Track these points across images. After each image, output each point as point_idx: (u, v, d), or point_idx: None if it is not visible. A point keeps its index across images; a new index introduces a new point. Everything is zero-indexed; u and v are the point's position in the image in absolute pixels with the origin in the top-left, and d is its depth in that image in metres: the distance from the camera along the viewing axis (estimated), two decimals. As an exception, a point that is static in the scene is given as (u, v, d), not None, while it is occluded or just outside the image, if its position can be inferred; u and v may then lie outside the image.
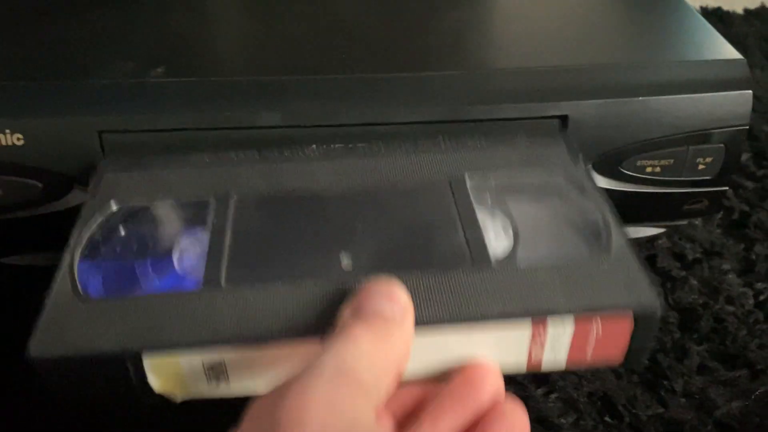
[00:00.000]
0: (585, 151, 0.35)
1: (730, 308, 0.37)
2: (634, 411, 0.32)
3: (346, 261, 0.27)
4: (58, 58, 0.37)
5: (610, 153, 0.36)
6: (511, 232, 0.29)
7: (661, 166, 0.37)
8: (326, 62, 0.37)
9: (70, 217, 0.34)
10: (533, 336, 0.24)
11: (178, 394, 0.24)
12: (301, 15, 0.43)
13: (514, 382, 0.33)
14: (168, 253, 0.29)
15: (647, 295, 0.24)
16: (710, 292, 0.38)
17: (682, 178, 0.37)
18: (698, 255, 0.41)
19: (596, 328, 0.24)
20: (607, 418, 0.32)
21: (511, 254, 0.28)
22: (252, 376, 0.24)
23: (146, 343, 0.23)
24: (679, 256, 0.41)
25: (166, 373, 0.24)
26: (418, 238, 0.28)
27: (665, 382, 0.34)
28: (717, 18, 0.66)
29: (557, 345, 0.24)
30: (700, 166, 0.37)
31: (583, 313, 0.24)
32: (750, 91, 0.36)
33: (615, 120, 0.35)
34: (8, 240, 0.37)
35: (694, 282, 0.39)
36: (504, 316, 0.24)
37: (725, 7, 0.67)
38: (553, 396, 0.33)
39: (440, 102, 0.34)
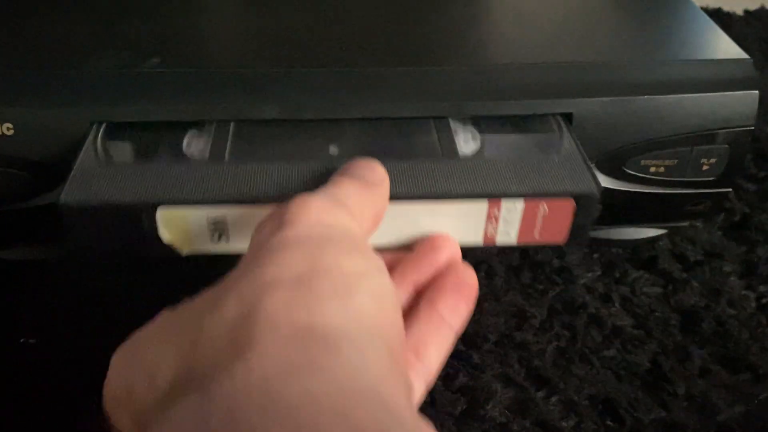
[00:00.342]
0: (589, 150, 0.35)
1: (732, 311, 0.37)
2: (635, 414, 0.32)
3: (333, 149, 0.31)
4: (51, 46, 0.36)
5: (615, 152, 0.35)
6: (479, 139, 0.32)
7: (665, 167, 0.36)
8: (325, 55, 0.36)
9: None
10: (489, 214, 0.29)
11: (184, 248, 0.28)
12: (301, 6, 0.42)
13: (513, 384, 0.33)
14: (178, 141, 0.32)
15: (587, 183, 0.29)
16: (712, 294, 0.38)
17: (686, 179, 0.37)
18: (699, 257, 0.40)
19: (543, 209, 0.29)
20: (608, 422, 0.32)
21: (477, 153, 0.32)
22: (250, 236, 0.27)
23: (159, 198, 0.27)
24: (681, 258, 0.40)
25: (174, 226, 0.28)
26: (396, 136, 0.32)
27: (667, 386, 0.33)
28: (717, 19, 0.65)
29: (509, 223, 0.29)
30: (704, 167, 0.37)
31: (531, 195, 0.28)
32: (756, 92, 0.35)
33: (620, 118, 0.34)
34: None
35: (696, 284, 0.38)
36: (465, 195, 0.28)
37: (725, 8, 0.67)
38: (553, 399, 0.32)
39: (441, 97, 0.33)
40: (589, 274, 0.39)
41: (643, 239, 0.41)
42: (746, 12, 0.67)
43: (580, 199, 0.29)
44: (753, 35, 0.63)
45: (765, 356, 0.35)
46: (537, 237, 0.29)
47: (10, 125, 0.32)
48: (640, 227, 0.41)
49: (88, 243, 0.28)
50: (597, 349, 0.35)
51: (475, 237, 0.30)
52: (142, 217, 0.27)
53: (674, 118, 0.35)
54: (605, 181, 0.36)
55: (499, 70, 0.35)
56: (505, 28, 0.41)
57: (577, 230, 0.30)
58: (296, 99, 0.33)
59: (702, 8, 0.43)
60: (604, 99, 0.34)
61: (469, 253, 0.39)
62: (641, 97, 0.34)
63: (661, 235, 0.41)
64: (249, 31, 0.40)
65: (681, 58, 0.37)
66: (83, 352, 0.29)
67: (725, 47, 0.38)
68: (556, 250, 0.40)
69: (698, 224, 0.42)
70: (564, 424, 0.32)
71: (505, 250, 0.40)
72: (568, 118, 0.34)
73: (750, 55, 0.37)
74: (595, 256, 0.40)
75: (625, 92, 0.34)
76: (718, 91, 0.35)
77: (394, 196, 0.27)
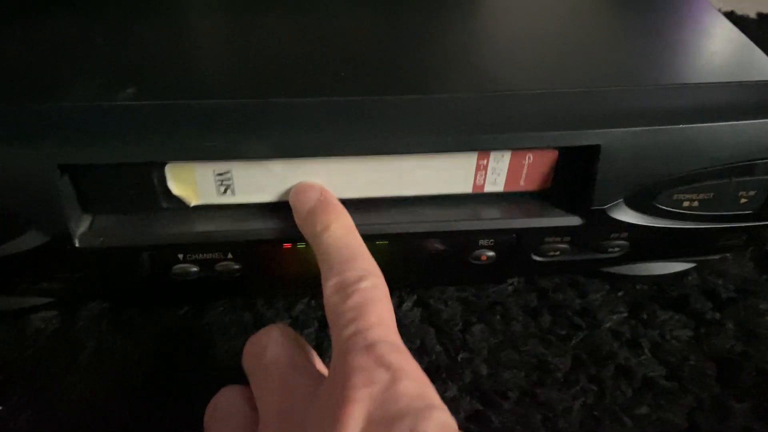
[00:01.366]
0: (618, 186, 0.31)
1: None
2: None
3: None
4: (11, 76, 0.32)
5: (645, 186, 0.32)
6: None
7: (699, 201, 0.33)
8: (321, 83, 0.32)
9: (23, 262, 0.30)
10: (478, 164, 0.31)
11: (192, 199, 0.30)
12: (292, 29, 0.38)
13: None
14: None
15: None
16: (748, 338, 0.35)
17: (722, 213, 0.33)
18: (732, 294, 0.37)
19: (528, 158, 0.31)
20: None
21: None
22: (254, 189, 0.30)
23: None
24: (711, 295, 0.37)
25: (183, 180, 0.29)
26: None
27: (708, 448, 0.30)
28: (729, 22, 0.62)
29: (497, 172, 0.31)
30: (742, 200, 0.33)
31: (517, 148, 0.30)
32: (797, 117, 0.32)
33: (651, 150, 0.31)
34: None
35: (730, 326, 0.35)
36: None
37: (738, 12, 0.64)
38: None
39: (452, 129, 0.30)
40: (614, 317, 0.35)
41: (669, 274, 0.38)
42: (759, 15, 0.64)
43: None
44: (766, 39, 0.60)
45: (812, 410, 0.32)
46: (522, 185, 0.31)
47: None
48: (668, 262, 0.37)
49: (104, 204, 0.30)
50: (628, 406, 0.31)
51: (465, 185, 0.31)
52: (152, 173, 0.29)
53: (710, 149, 0.31)
54: (634, 218, 0.33)
55: (512, 98, 0.31)
56: (517, 51, 0.37)
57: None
58: (290, 135, 0.29)
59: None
60: (634, 129, 0.31)
61: (482, 295, 0.36)
62: (674, 126, 0.31)
63: (689, 269, 0.38)
64: (236, 57, 0.35)
65: (715, 80, 0.33)
66: None
67: (762, 66, 0.35)
68: (577, 289, 0.37)
69: (728, 255, 0.39)
70: (597, 499, 0.28)
71: (520, 291, 0.36)
72: (594, 151, 0.31)
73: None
74: (620, 294, 0.37)
75: (655, 121, 0.31)
76: (758, 118, 0.31)
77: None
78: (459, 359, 0.33)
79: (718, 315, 0.36)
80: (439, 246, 0.32)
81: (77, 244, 0.29)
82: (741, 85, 0.33)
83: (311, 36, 0.36)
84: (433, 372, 0.32)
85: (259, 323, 0.34)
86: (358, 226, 0.30)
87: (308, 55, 0.34)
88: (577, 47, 0.36)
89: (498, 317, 0.35)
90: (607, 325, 0.35)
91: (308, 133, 0.29)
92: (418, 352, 0.33)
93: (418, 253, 0.33)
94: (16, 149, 0.27)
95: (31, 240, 0.29)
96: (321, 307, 0.35)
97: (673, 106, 0.31)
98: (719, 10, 0.41)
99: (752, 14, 0.64)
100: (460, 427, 0.28)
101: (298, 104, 0.30)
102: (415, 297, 0.36)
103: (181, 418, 0.30)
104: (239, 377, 0.27)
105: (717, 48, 0.36)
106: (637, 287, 0.37)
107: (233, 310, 0.35)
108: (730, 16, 0.62)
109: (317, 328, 0.34)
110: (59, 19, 0.37)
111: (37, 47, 0.34)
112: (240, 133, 0.28)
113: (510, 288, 0.37)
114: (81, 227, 0.30)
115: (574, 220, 0.32)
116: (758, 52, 0.35)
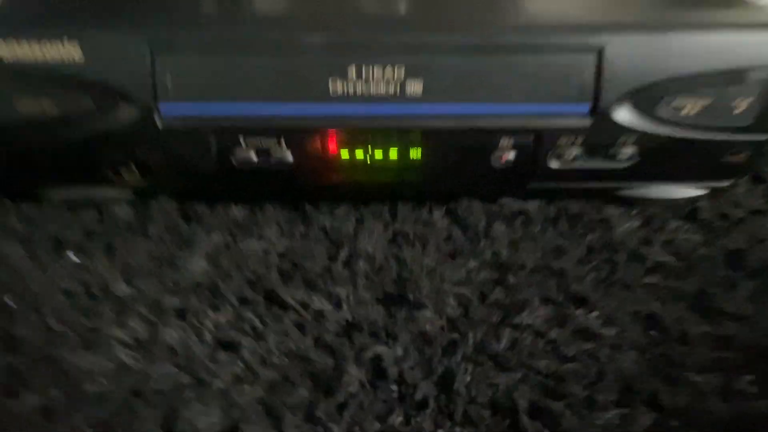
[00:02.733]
0: (620, 85, 0.36)
1: (780, 253, 0.36)
2: (681, 327, 0.31)
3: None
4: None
5: (646, 90, 0.36)
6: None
7: (698, 107, 0.37)
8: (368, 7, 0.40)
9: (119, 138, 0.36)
10: None
11: None
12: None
13: (551, 302, 0.32)
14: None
15: None
16: (757, 241, 0.37)
17: (721, 122, 0.37)
18: (742, 215, 0.39)
19: None
20: (652, 332, 0.30)
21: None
22: None
23: None
24: (723, 216, 0.39)
25: None
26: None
27: (715, 306, 0.32)
28: None
29: None
30: (739, 110, 0.37)
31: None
32: (785, 32, 0.36)
33: (650, 53, 0.35)
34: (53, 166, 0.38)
35: (741, 235, 0.38)
36: None
37: None
38: (593, 314, 0.31)
39: (474, 28, 0.36)
40: (627, 224, 0.38)
41: (682, 198, 0.40)
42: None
43: None
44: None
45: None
46: None
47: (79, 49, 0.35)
48: (679, 185, 0.40)
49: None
50: (639, 278, 0.34)
51: None
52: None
53: (705, 55, 0.36)
54: (638, 125, 0.37)
55: (530, 7, 0.38)
56: None
57: None
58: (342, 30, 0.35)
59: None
60: (636, 35, 0.35)
61: (505, 208, 0.40)
62: (671, 32, 0.35)
63: (702, 195, 0.41)
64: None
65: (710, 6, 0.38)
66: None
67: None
68: (595, 208, 0.40)
69: (740, 191, 0.42)
70: (605, 332, 0.30)
71: (542, 207, 0.40)
72: (599, 52, 0.35)
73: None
74: (634, 212, 0.40)
75: (655, 28, 0.36)
76: (749, 30, 0.36)
77: None
78: (481, 245, 0.37)
79: (728, 224, 0.38)
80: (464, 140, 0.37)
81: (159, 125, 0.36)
82: (733, 8, 0.38)
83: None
84: (455, 254, 0.36)
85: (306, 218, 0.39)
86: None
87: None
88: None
89: (518, 222, 0.39)
90: (621, 229, 0.38)
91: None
92: (445, 241, 0.37)
93: (446, 150, 0.38)
94: (119, 31, 0.35)
95: (122, 114, 0.36)
96: (359, 210, 0.40)
97: (671, 17, 0.36)
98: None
99: None
100: (477, 290, 0.31)
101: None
102: (444, 208, 0.40)
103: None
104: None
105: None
106: (651, 208, 0.40)
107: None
108: None
109: (354, 223, 0.38)
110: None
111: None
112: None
113: (531, 206, 0.40)
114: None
115: (585, 121, 0.37)
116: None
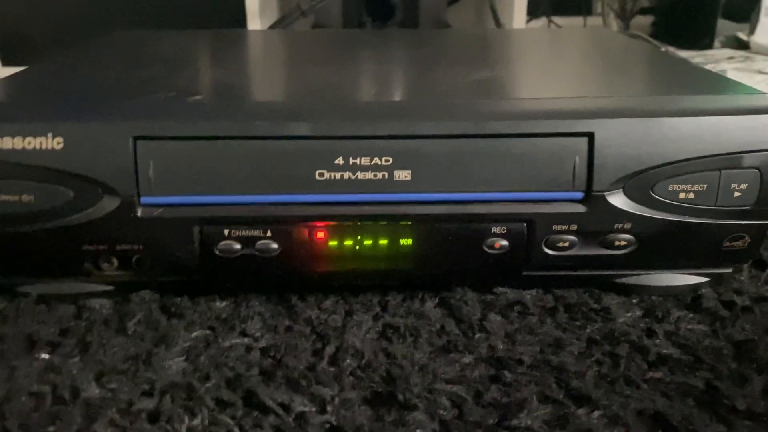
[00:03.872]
0: (614, 172, 0.35)
1: (791, 344, 0.34)
2: (691, 428, 0.28)
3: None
4: (106, 87, 0.40)
5: (640, 176, 0.35)
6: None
7: (694, 192, 0.36)
8: (355, 92, 0.40)
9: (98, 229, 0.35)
10: None
11: None
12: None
13: (551, 401, 0.30)
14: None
15: None
16: (765, 331, 0.35)
17: (718, 207, 0.36)
18: (747, 303, 0.38)
19: None
20: (660, 434, 0.28)
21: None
22: None
23: None
24: (727, 304, 0.38)
25: None
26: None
27: (726, 402, 0.30)
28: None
29: None
30: (736, 194, 0.36)
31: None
32: (778, 115, 0.36)
33: (642, 140, 0.35)
34: (30, 258, 0.37)
35: (746, 324, 0.36)
36: None
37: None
38: (596, 414, 0.29)
39: (466, 118, 0.35)
40: (629, 314, 0.37)
41: (683, 286, 0.39)
42: None
43: None
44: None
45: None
46: None
47: (60, 139, 0.34)
48: (680, 273, 0.39)
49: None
50: (643, 373, 0.32)
51: None
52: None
53: (698, 140, 0.35)
54: (635, 208, 0.36)
55: (522, 101, 0.38)
56: (529, 76, 0.46)
57: None
58: (327, 120, 0.35)
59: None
60: (625, 119, 0.35)
61: (501, 297, 0.38)
62: (663, 118, 0.35)
63: (703, 283, 0.39)
64: (290, 83, 0.45)
65: (700, 94, 0.38)
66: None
67: (737, 86, 0.39)
68: (593, 297, 0.38)
69: (742, 278, 0.40)
70: (609, 434, 0.28)
71: (539, 296, 0.38)
72: (589, 138, 0.35)
73: None
74: (634, 301, 0.38)
75: (646, 114, 0.35)
76: (740, 115, 0.35)
77: None
78: (476, 338, 0.35)
79: (734, 313, 0.37)
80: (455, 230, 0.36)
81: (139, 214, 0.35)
82: (722, 96, 0.37)
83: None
84: (449, 347, 0.34)
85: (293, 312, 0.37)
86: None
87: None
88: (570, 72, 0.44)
89: (515, 313, 0.37)
90: (622, 320, 0.36)
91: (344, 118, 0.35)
92: (437, 334, 0.35)
93: (437, 238, 0.36)
94: (100, 123, 0.34)
95: (103, 205, 0.35)
96: (347, 301, 0.38)
97: (662, 105, 0.36)
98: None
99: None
100: (472, 388, 0.30)
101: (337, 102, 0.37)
102: (437, 299, 0.38)
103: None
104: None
105: (698, 77, 0.42)
106: (653, 297, 0.39)
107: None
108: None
109: (343, 315, 0.37)
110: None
111: (134, 75, 0.43)
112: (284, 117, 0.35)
113: (528, 296, 0.39)
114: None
115: (579, 207, 0.36)
116: (730, 79, 0.41)
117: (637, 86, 0.44)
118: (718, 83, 0.41)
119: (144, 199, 0.35)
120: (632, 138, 0.35)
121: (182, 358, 0.33)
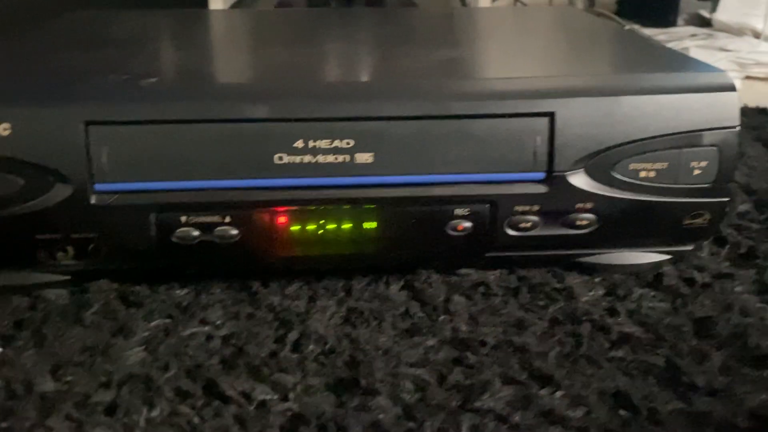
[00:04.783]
0: (575, 152, 0.35)
1: (749, 319, 0.34)
2: (651, 405, 0.29)
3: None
4: (57, 70, 0.39)
5: (602, 155, 0.35)
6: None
7: (655, 170, 0.36)
8: (316, 73, 0.39)
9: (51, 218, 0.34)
10: None
11: None
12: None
13: (514, 382, 0.30)
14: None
15: None
16: (724, 308, 0.35)
17: (679, 185, 0.36)
18: (708, 280, 0.38)
19: None
20: (621, 412, 0.28)
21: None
22: None
23: None
24: (688, 281, 0.38)
25: None
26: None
27: (685, 379, 0.30)
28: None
29: None
30: (696, 171, 0.36)
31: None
32: (735, 93, 0.36)
33: (603, 119, 0.35)
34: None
35: (707, 301, 0.36)
36: None
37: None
38: (558, 394, 0.29)
39: (427, 99, 0.35)
40: (591, 293, 0.37)
41: (645, 264, 0.39)
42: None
43: None
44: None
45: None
46: None
47: (7, 125, 0.33)
48: (642, 251, 0.39)
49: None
50: (605, 352, 0.32)
51: None
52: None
53: (658, 119, 0.35)
54: (596, 188, 0.36)
55: (482, 80, 0.37)
56: (492, 56, 0.45)
57: None
58: (286, 101, 0.34)
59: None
60: (586, 98, 0.35)
61: (465, 276, 0.38)
62: (623, 96, 0.35)
63: (665, 261, 0.39)
64: (250, 63, 0.44)
65: (660, 72, 0.38)
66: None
67: (697, 65, 0.40)
68: (556, 277, 0.38)
69: (703, 255, 0.41)
70: (572, 414, 0.28)
71: (502, 274, 0.38)
72: (550, 117, 0.35)
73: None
74: (597, 280, 0.38)
75: (607, 93, 0.35)
76: (699, 92, 0.36)
77: None
78: (440, 320, 0.35)
79: (695, 290, 0.37)
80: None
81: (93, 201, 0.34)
82: (682, 74, 0.37)
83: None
84: (413, 331, 0.34)
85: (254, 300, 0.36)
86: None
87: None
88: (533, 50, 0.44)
89: (479, 294, 0.37)
90: (584, 299, 0.36)
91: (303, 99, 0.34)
92: (401, 317, 0.35)
93: (401, 220, 0.36)
94: (51, 108, 0.33)
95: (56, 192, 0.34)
96: (311, 286, 0.37)
97: (622, 84, 0.36)
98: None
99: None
100: (436, 371, 0.29)
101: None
102: (402, 281, 0.38)
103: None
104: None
105: (655, 54, 0.42)
106: (615, 276, 0.39)
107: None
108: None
109: (306, 300, 0.36)
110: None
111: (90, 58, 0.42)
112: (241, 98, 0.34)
113: (492, 276, 0.39)
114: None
115: (540, 188, 0.36)
116: (689, 56, 0.41)
117: (599, 65, 0.44)
118: (679, 62, 0.42)
119: (98, 186, 0.34)
120: (593, 117, 0.35)
121: (141, 348, 0.33)
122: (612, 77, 0.37)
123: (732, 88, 0.36)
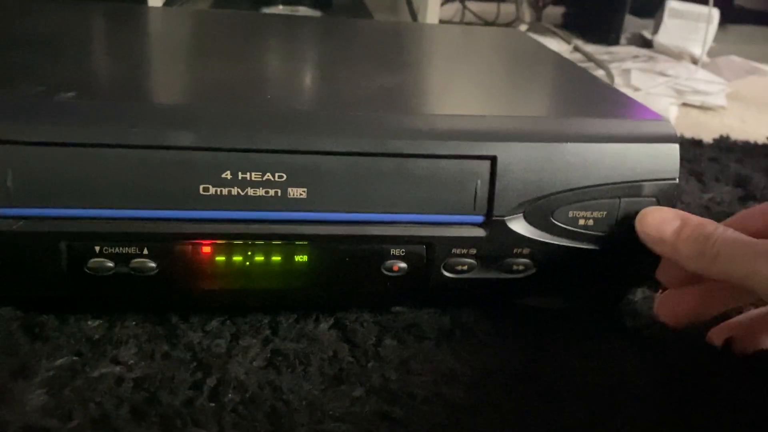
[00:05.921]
0: (516, 197, 0.34)
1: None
2: None
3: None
4: None
5: (542, 200, 0.34)
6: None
7: (594, 219, 0.35)
8: (249, 96, 0.37)
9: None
10: None
11: None
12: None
13: None
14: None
15: None
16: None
17: (616, 233, 0.36)
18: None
19: None
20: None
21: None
22: None
23: None
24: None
25: None
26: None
27: None
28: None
29: None
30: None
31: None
32: (677, 145, 0.36)
33: (545, 165, 0.34)
34: None
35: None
36: None
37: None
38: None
39: (366, 135, 0.33)
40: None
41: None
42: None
43: None
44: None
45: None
46: None
47: None
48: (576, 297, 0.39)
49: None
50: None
51: None
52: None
53: (598, 167, 0.35)
54: (535, 234, 0.35)
55: (425, 117, 0.36)
56: (434, 86, 0.44)
57: None
58: (215, 129, 0.32)
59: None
60: (529, 144, 0.34)
61: (398, 315, 0.37)
62: (566, 144, 0.34)
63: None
64: (178, 74, 0.41)
65: (602, 117, 0.38)
66: None
67: (641, 110, 0.39)
68: (491, 319, 0.38)
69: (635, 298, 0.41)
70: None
71: (435, 316, 0.37)
72: (492, 161, 0.34)
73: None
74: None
75: (550, 139, 0.34)
76: (642, 143, 0.35)
77: None
78: (369, 366, 0.33)
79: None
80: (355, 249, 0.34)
81: (-3, 227, 0.31)
82: (624, 120, 0.37)
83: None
84: (341, 378, 0.32)
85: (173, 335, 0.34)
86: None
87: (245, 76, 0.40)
88: (477, 86, 0.43)
89: (412, 337, 0.36)
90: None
91: (233, 128, 0.32)
92: (330, 362, 0.33)
93: (334, 258, 0.34)
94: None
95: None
96: (235, 322, 0.35)
97: (565, 129, 0.35)
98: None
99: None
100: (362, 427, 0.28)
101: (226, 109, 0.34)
102: (332, 320, 0.36)
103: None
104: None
105: (598, 96, 0.42)
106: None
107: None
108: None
109: (228, 339, 0.34)
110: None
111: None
112: (166, 123, 0.32)
113: (426, 316, 0.37)
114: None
115: (479, 231, 0.35)
116: (632, 99, 0.41)
117: (543, 105, 0.43)
118: (622, 106, 0.41)
119: (1, 211, 0.31)
120: (535, 163, 0.34)
121: (43, 390, 0.30)
122: (555, 122, 0.36)
123: (674, 139, 0.36)
